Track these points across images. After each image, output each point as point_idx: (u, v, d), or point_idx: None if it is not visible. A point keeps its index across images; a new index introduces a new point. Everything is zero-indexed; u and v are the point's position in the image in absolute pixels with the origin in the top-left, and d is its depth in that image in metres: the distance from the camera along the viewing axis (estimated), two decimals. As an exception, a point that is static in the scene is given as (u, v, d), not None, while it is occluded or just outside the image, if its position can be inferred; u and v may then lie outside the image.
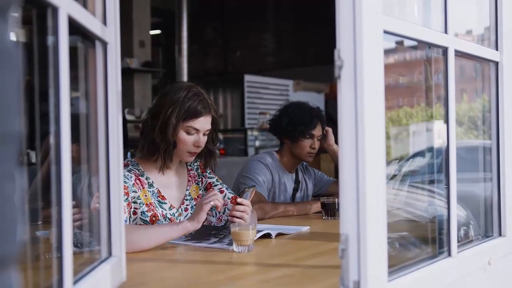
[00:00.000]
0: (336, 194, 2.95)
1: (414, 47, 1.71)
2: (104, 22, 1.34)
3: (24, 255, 0.98)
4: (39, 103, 1.04)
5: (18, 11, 0.57)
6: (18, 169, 0.54)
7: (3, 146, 0.51)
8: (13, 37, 0.53)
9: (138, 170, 2.20)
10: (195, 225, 1.95)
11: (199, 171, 2.39)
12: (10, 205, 0.52)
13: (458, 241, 1.54)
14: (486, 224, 1.85)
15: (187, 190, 2.32)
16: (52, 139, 1.01)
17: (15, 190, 0.53)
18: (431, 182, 1.91)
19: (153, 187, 2.20)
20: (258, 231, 2.02)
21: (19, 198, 0.54)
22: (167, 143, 2.15)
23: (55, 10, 0.99)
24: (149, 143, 2.18)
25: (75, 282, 1.07)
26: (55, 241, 1.02)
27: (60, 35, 1.00)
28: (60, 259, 1.00)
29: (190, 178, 2.35)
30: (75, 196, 1.09)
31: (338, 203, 2.64)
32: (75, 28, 1.11)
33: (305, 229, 2.33)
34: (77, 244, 1.36)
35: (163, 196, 2.22)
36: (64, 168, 1.00)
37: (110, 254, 1.36)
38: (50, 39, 1.01)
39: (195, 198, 2.33)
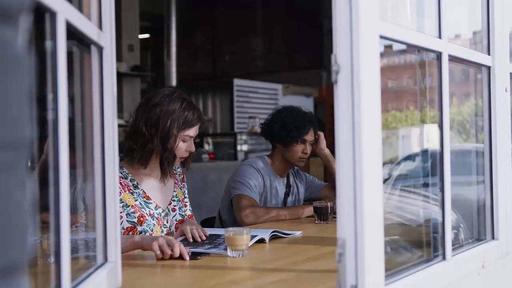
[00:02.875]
0: (327, 198, 2.96)
1: (403, 51, 1.72)
2: (100, 27, 1.34)
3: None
4: (35, 108, 1.03)
5: (28, 18, 0.57)
6: (28, 176, 0.54)
7: (14, 153, 0.50)
8: (23, 43, 0.53)
9: (122, 173, 2.24)
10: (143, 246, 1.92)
11: (180, 177, 2.48)
12: (21, 212, 0.52)
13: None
14: (479, 227, 1.86)
15: (174, 191, 2.40)
16: (49, 144, 1.00)
17: (26, 197, 0.53)
18: (423, 185, 1.92)
19: (139, 188, 2.26)
20: (252, 237, 2.01)
21: (29, 205, 0.53)
22: (170, 153, 2.22)
23: (53, 15, 0.98)
24: (148, 153, 2.23)
25: (72, 288, 1.07)
26: (52, 247, 1.02)
27: (58, 40, 1.00)
28: (58, 265, 0.99)
29: (176, 181, 2.43)
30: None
31: (330, 207, 2.64)
32: (71, 32, 1.10)
33: (298, 233, 2.33)
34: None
35: (148, 196, 2.27)
36: (62, 173, 1.00)
37: (106, 259, 1.36)
38: (47, 44, 1.00)
39: (181, 200, 2.42)
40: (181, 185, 2.46)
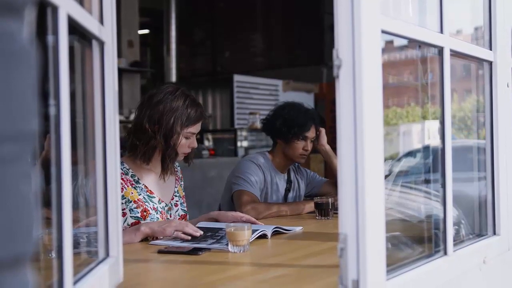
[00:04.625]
0: (328, 194, 2.96)
1: (404, 47, 1.72)
2: (101, 21, 1.33)
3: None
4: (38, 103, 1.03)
5: (33, 10, 0.56)
6: (33, 168, 0.54)
7: (19, 146, 0.50)
8: (28, 36, 0.53)
9: (122, 169, 2.25)
10: (147, 232, 2.05)
11: (180, 176, 2.51)
12: (27, 205, 0.52)
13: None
14: (480, 223, 1.86)
15: (175, 187, 2.43)
16: (51, 140, 1.00)
17: (31, 189, 0.53)
18: (424, 182, 1.92)
19: (140, 183, 2.27)
20: (254, 231, 2.01)
21: (35, 197, 0.53)
22: (172, 150, 2.24)
23: (55, 9, 0.98)
24: (150, 150, 2.24)
25: (74, 283, 1.07)
26: (53, 242, 1.02)
27: (60, 34, 0.99)
28: (60, 260, 0.99)
29: (177, 178, 2.46)
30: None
31: (331, 203, 2.65)
32: (72, 27, 1.10)
33: (299, 229, 2.33)
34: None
35: (151, 190, 2.29)
36: (64, 168, 0.99)
37: (107, 254, 1.35)
38: (49, 38, 1.00)
39: (182, 196, 2.45)
40: (181, 183, 2.50)
